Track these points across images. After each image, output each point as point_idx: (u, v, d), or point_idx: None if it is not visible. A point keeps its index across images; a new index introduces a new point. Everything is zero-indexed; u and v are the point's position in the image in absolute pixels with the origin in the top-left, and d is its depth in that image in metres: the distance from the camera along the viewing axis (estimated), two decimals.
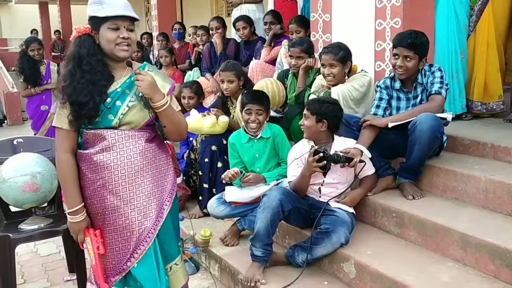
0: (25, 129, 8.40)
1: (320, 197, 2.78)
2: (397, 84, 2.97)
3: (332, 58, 3.13)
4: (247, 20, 4.88)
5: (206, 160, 3.61)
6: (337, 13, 3.70)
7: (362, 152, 2.71)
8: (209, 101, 4.62)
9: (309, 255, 2.59)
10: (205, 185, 3.65)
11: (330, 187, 2.76)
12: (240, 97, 3.46)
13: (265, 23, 4.76)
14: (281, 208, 2.58)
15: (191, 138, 3.97)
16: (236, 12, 5.33)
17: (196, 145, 3.81)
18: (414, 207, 2.68)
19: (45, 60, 5.42)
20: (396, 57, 2.84)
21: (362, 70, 3.29)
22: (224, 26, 5.18)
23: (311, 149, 2.63)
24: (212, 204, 3.23)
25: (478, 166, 2.79)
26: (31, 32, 14.92)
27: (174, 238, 2.20)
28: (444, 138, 2.93)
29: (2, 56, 15.08)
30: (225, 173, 3.10)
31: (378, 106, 3.00)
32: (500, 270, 2.20)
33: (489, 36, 3.75)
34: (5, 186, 2.70)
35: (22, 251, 3.68)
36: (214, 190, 3.59)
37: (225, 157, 3.50)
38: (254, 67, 4.47)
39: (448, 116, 2.82)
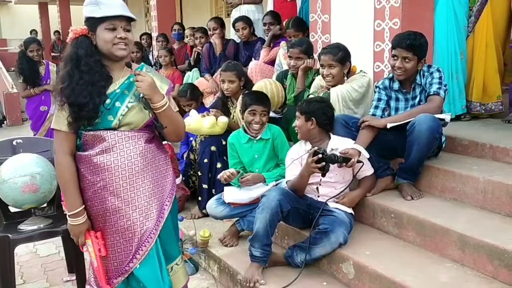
0: (25, 129, 8.40)
1: (318, 197, 2.79)
2: (396, 85, 2.98)
3: (331, 58, 3.14)
4: (246, 20, 4.88)
5: (206, 160, 3.61)
6: (336, 14, 3.71)
7: (360, 152, 2.71)
8: (208, 101, 4.62)
9: (308, 255, 2.60)
10: (204, 186, 3.65)
11: (328, 187, 2.76)
12: (240, 97, 3.46)
13: (264, 24, 4.76)
14: (280, 208, 2.59)
15: (191, 138, 3.98)
16: (236, 13, 5.34)
17: (196, 145, 3.81)
18: (412, 208, 2.68)
19: (44, 61, 5.42)
20: (395, 58, 2.85)
21: (361, 70, 3.29)
22: (221, 26, 5.17)
23: (309, 150, 2.63)
24: (211, 205, 3.23)
25: (476, 166, 2.80)
26: (31, 32, 14.91)
27: (175, 238, 2.21)
28: (443, 138, 2.93)
29: (2, 56, 15.08)
30: (221, 173, 3.10)
31: (376, 107, 3.00)
32: (498, 270, 2.21)
33: (487, 37, 3.76)
34: (4, 186, 2.70)
35: (21, 251, 3.69)
36: (213, 190, 3.60)
37: (225, 157, 3.51)
38: (253, 67, 4.47)
39: (447, 117, 2.82)
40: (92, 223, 2.02)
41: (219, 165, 3.59)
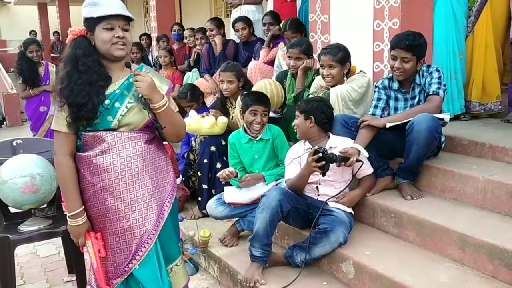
0: (24, 130, 8.40)
1: (318, 195, 2.79)
2: (395, 85, 2.98)
3: (331, 59, 3.14)
4: (246, 21, 4.88)
5: (205, 161, 3.62)
6: (336, 14, 3.71)
7: (359, 151, 2.72)
8: (208, 101, 4.62)
9: (308, 255, 2.60)
10: (204, 186, 3.66)
11: (328, 186, 2.77)
12: (239, 98, 3.47)
13: (264, 24, 4.76)
14: (280, 208, 2.59)
15: (191, 138, 3.98)
16: (236, 13, 5.34)
17: (195, 146, 3.81)
18: (412, 207, 2.68)
19: (43, 61, 5.42)
20: (394, 58, 2.85)
21: (361, 71, 3.30)
22: (219, 27, 5.17)
23: (308, 149, 2.64)
24: (212, 205, 3.24)
25: (476, 166, 2.80)
26: (30, 33, 14.93)
27: (175, 239, 2.21)
28: (442, 138, 2.93)
29: (1, 57, 15.07)
30: (221, 172, 3.10)
31: (376, 106, 3.00)
32: (498, 270, 2.21)
33: (487, 37, 3.76)
34: (4, 187, 2.70)
35: (21, 252, 3.68)
36: (213, 190, 3.60)
37: (224, 158, 3.51)
38: (253, 68, 4.47)
39: (446, 116, 2.82)
40: (92, 224, 2.02)
41: (219, 166, 3.59)
